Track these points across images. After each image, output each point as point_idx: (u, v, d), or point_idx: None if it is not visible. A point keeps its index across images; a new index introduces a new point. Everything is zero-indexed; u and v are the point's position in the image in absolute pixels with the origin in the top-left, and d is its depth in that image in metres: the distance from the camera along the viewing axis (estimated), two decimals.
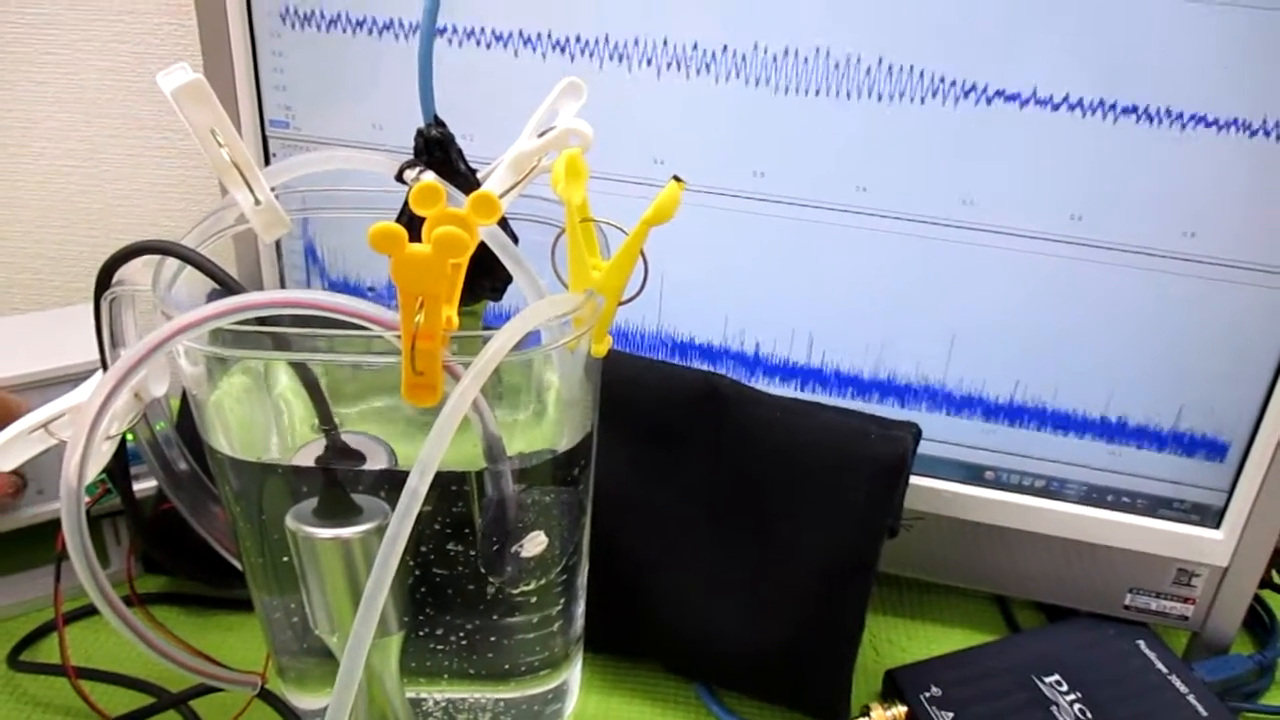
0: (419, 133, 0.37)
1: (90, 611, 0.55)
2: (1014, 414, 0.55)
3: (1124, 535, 0.55)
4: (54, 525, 0.51)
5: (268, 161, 0.58)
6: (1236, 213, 0.48)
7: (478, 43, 0.53)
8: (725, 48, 0.50)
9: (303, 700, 0.45)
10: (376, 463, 0.38)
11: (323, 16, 0.54)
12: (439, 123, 0.37)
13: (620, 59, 0.51)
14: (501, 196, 0.37)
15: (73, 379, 0.53)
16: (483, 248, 0.36)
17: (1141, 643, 0.56)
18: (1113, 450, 0.54)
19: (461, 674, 0.43)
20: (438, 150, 0.37)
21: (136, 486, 0.48)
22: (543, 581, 0.41)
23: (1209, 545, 0.55)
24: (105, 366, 0.40)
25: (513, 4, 0.52)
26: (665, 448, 0.52)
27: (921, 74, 0.48)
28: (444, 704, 0.44)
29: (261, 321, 0.32)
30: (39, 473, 0.55)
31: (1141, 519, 0.55)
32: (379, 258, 0.29)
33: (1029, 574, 0.58)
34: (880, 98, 0.49)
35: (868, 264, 0.53)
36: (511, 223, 0.38)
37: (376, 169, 0.38)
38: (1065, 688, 0.52)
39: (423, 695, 0.43)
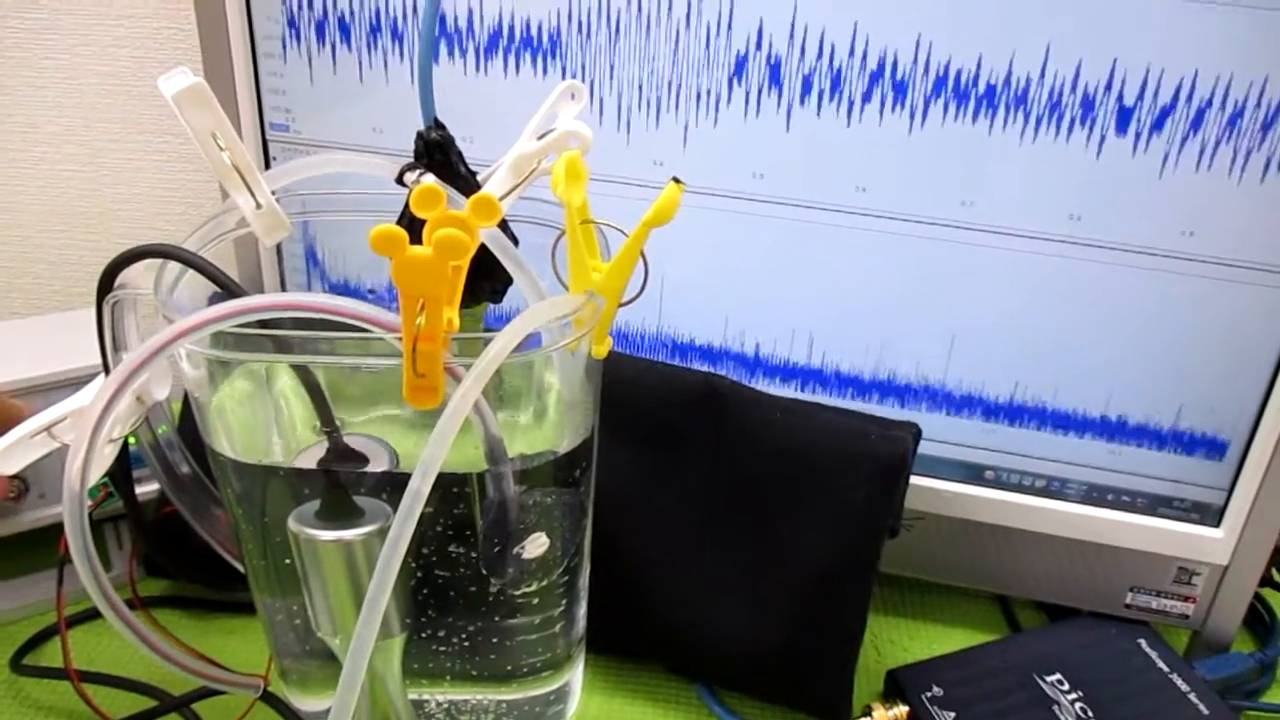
0: (419, 135, 0.37)
1: (92, 615, 0.56)
2: (1014, 414, 0.55)
3: (1124, 534, 0.55)
4: (56, 529, 0.51)
5: (268, 165, 0.58)
6: (1235, 212, 0.48)
7: (478, 48, 0.53)
8: (725, 49, 0.50)
9: (305, 703, 0.45)
10: (378, 465, 0.38)
11: (324, 21, 0.54)
12: (439, 125, 0.37)
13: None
14: (502, 199, 0.37)
15: (74, 383, 0.53)
16: (483, 250, 0.36)
17: (1143, 641, 0.56)
18: (1113, 449, 0.54)
19: (464, 675, 0.43)
20: (438, 153, 0.37)
21: (138, 490, 0.48)
22: (544, 583, 0.41)
23: (1209, 544, 0.55)
24: (107, 370, 0.40)
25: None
26: (666, 449, 0.52)
27: (921, 72, 0.49)
28: (446, 705, 0.44)
29: (263, 324, 0.32)
30: (41, 477, 0.55)
31: (1142, 518, 0.55)
32: (380, 260, 0.29)
33: (1030, 573, 0.58)
34: (879, 99, 0.49)
35: (867, 265, 0.53)
36: (512, 225, 0.38)
37: (377, 172, 0.38)
38: (1067, 687, 0.52)
39: (425, 697, 0.43)
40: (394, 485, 0.37)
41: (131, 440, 0.42)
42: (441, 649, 0.42)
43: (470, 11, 0.52)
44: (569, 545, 0.42)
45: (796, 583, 0.50)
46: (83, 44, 0.72)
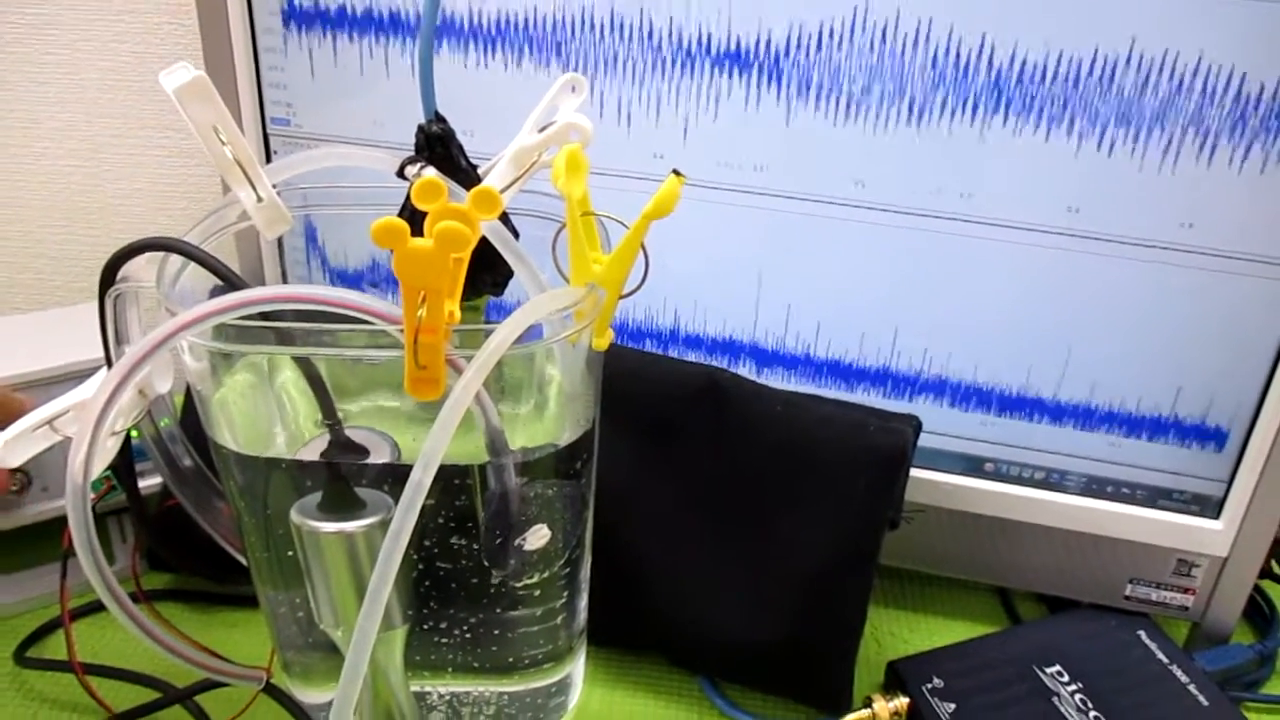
0: (420, 129, 0.37)
1: (95, 608, 0.56)
2: (1013, 405, 0.55)
3: (1124, 526, 0.56)
4: (59, 523, 0.52)
5: (269, 159, 0.59)
6: (1235, 204, 0.48)
7: (479, 41, 0.53)
8: (725, 43, 0.50)
9: (308, 695, 0.45)
10: (380, 457, 0.38)
11: (324, 15, 0.54)
12: (440, 119, 0.37)
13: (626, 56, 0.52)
14: (502, 191, 0.37)
15: (75, 377, 0.53)
16: (484, 243, 0.36)
17: (1142, 633, 0.56)
18: (1112, 441, 0.55)
19: (466, 667, 0.43)
20: (439, 146, 0.37)
21: (141, 483, 0.48)
22: (545, 575, 0.41)
23: (1208, 535, 0.55)
24: (110, 363, 0.40)
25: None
26: (667, 442, 0.52)
27: (920, 65, 0.49)
28: (448, 698, 0.44)
29: (265, 317, 0.32)
30: (43, 470, 0.55)
31: (1141, 510, 0.55)
32: (381, 253, 0.29)
33: (1030, 565, 0.58)
34: (878, 92, 0.49)
35: (867, 258, 0.53)
36: (513, 218, 0.38)
37: (378, 166, 0.38)
38: (1067, 678, 0.52)
39: (427, 689, 0.44)
40: (395, 477, 0.37)
41: (134, 434, 0.42)
42: (443, 641, 0.42)
43: (471, 5, 0.52)
44: (570, 537, 0.42)
45: (797, 575, 0.51)
46: (84, 39, 0.72)
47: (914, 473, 0.54)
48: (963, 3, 0.47)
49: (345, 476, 0.37)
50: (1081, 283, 0.51)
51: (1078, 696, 0.51)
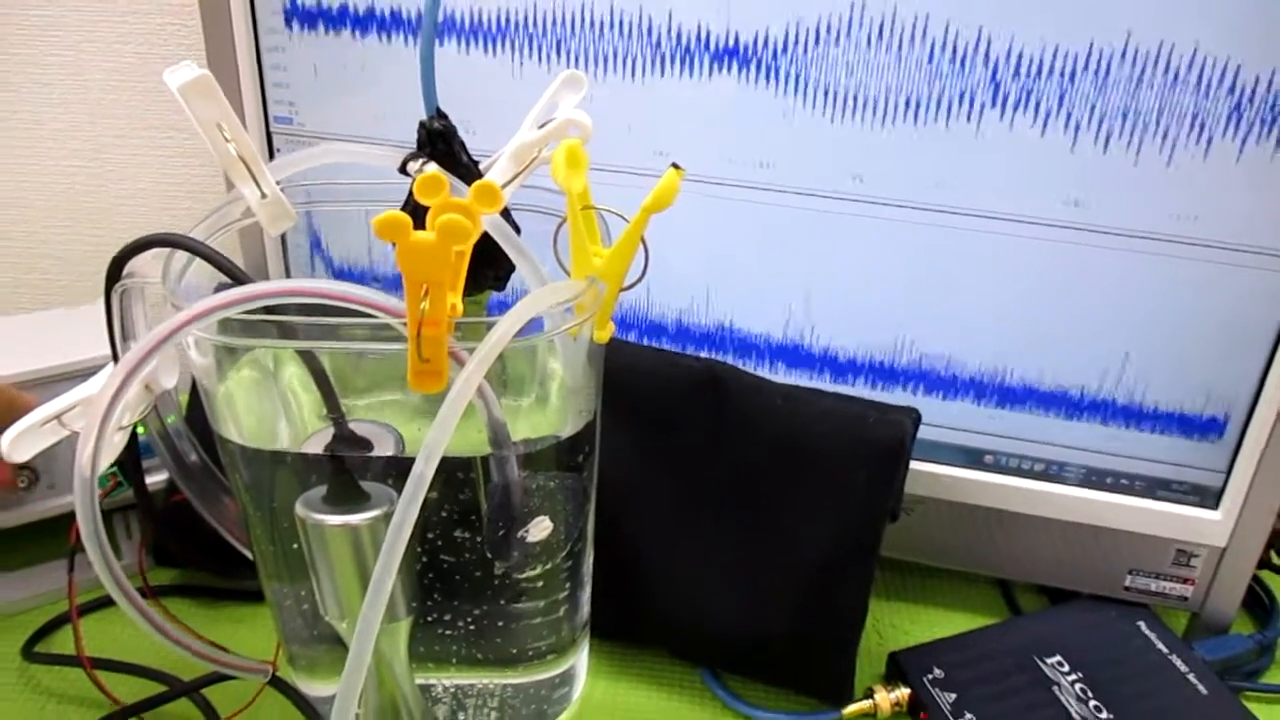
0: (421, 125, 0.38)
1: (102, 604, 0.56)
2: (1012, 398, 0.55)
3: (1123, 517, 0.56)
4: (65, 520, 0.52)
5: (272, 157, 0.59)
6: (1237, 197, 0.48)
7: (481, 37, 0.53)
8: (724, 39, 0.50)
9: (313, 688, 0.46)
10: (384, 450, 0.38)
11: (326, 14, 0.55)
12: (441, 115, 0.38)
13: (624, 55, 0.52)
14: (503, 187, 0.38)
15: (80, 374, 0.53)
16: (486, 238, 0.37)
17: (1142, 623, 0.56)
18: (1111, 433, 0.55)
19: (470, 660, 0.43)
20: (440, 142, 0.38)
21: (148, 480, 0.49)
22: (548, 566, 0.42)
23: (1207, 526, 0.55)
24: (116, 358, 0.41)
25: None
26: (668, 435, 0.52)
27: (919, 60, 0.49)
28: (453, 690, 0.45)
29: (269, 311, 0.33)
30: (51, 467, 0.55)
31: (1140, 500, 0.56)
32: (384, 249, 0.29)
33: (1030, 557, 0.58)
34: (876, 87, 0.50)
35: (866, 252, 0.53)
36: (514, 213, 0.39)
37: (380, 162, 0.38)
38: (1067, 668, 0.53)
39: (432, 681, 0.44)
40: (399, 470, 0.38)
41: (140, 430, 0.43)
42: (448, 633, 0.42)
43: (472, 2, 0.53)
44: (572, 529, 0.42)
45: (799, 567, 0.51)
46: (87, 40, 0.73)
47: (914, 465, 0.54)
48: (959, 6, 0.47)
49: (349, 469, 0.38)
50: (1081, 275, 0.51)
51: (1078, 686, 0.52)
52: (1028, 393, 0.55)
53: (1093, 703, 0.50)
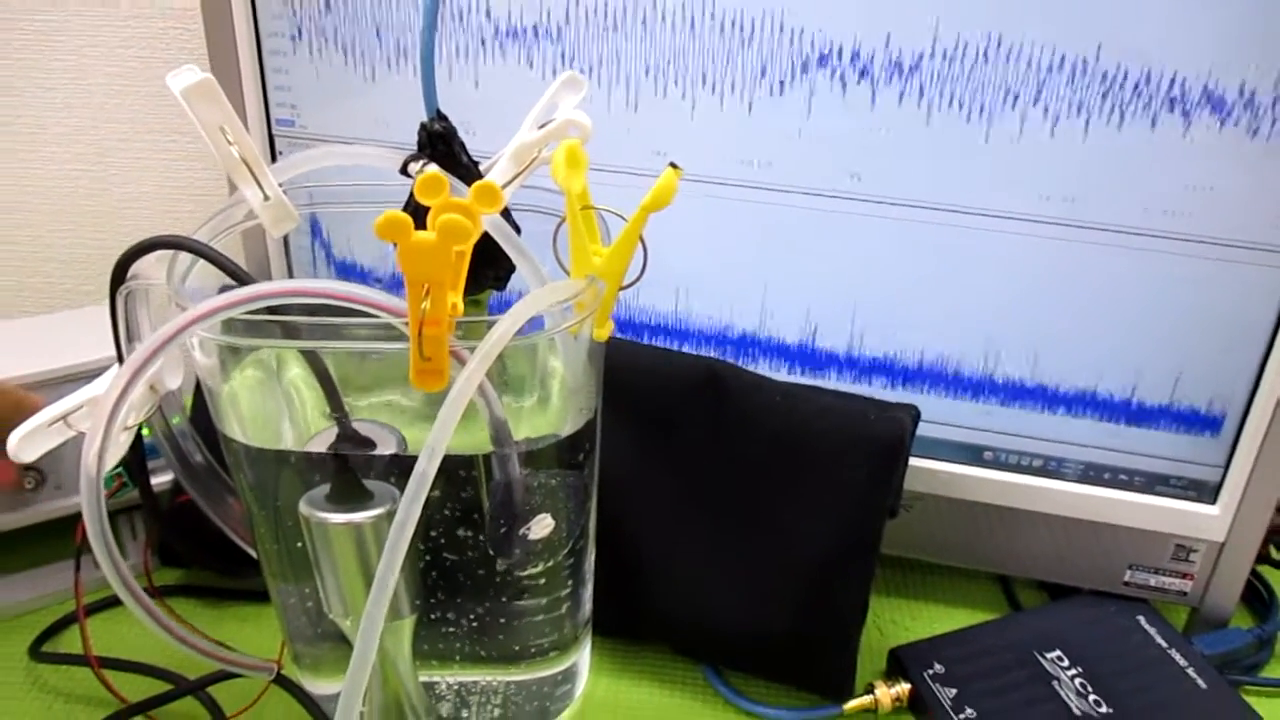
0: (422, 127, 0.38)
1: (107, 605, 0.57)
2: (1011, 394, 0.55)
3: (1122, 512, 0.56)
4: (70, 521, 0.53)
5: (274, 160, 0.59)
6: (1229, 193, 0.49)
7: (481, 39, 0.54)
8: (720, 39, 0.51)
9: (318, 686, 0.46)
10: (387, 449, 0.39)
11: (327, 15, 0.55)
12: (441, 117, 0.38)
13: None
14: (504, 187, 0.38)
15: (85, 376, 0.54)
16: (486, 239, 0.37)
17: (1141, 618, 0.57)
18: (1109, 429, 0.55)
19: (473, 657, 0.44)
20: (441, 144, 0.38)
21: (153, 480, 0.49)
22: (550, 564, 0.42)
23: (1205, 520, 0.55)
24: (121, 358, 0.41)
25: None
26: (668, 433, 0.52)
27: (913, 58, 0.49)
28: (456, 687, 0.45)
29: (272, 312, 0.33)
30: (57, 468, 0.56)
31: (1139, 496, 0.56)
32: (385, 250, 0.30)
33: (1029, 553, 0.59)
34: (870, 85, 0.50)
35: (864, 250, 0.54)
36: (514, 213, 0.39)
37: (381, 163, 0.39)
38: (1066, 663, 0.53)
39: (435, 679, 0.44)
40: (402, 469, 0.38)
41: (146, 431, 0.43)
42: (451, 631, 0.42)
43: (472, 3, 0.53)
44: (574, 527, 0.43)
45: (799, 563, 0.51)
46: (90, 45, 0.73)
47: (914, 462, 0.55)
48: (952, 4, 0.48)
49: (353, 468, 0.38)
50: (1076, 272, 0.52)
51: (1078, 681, 0.52)
52: (1026, 389, 0.55)
53: (1092, 697, 0.51)
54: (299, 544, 0.39)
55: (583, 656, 0.48)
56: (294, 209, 0.39)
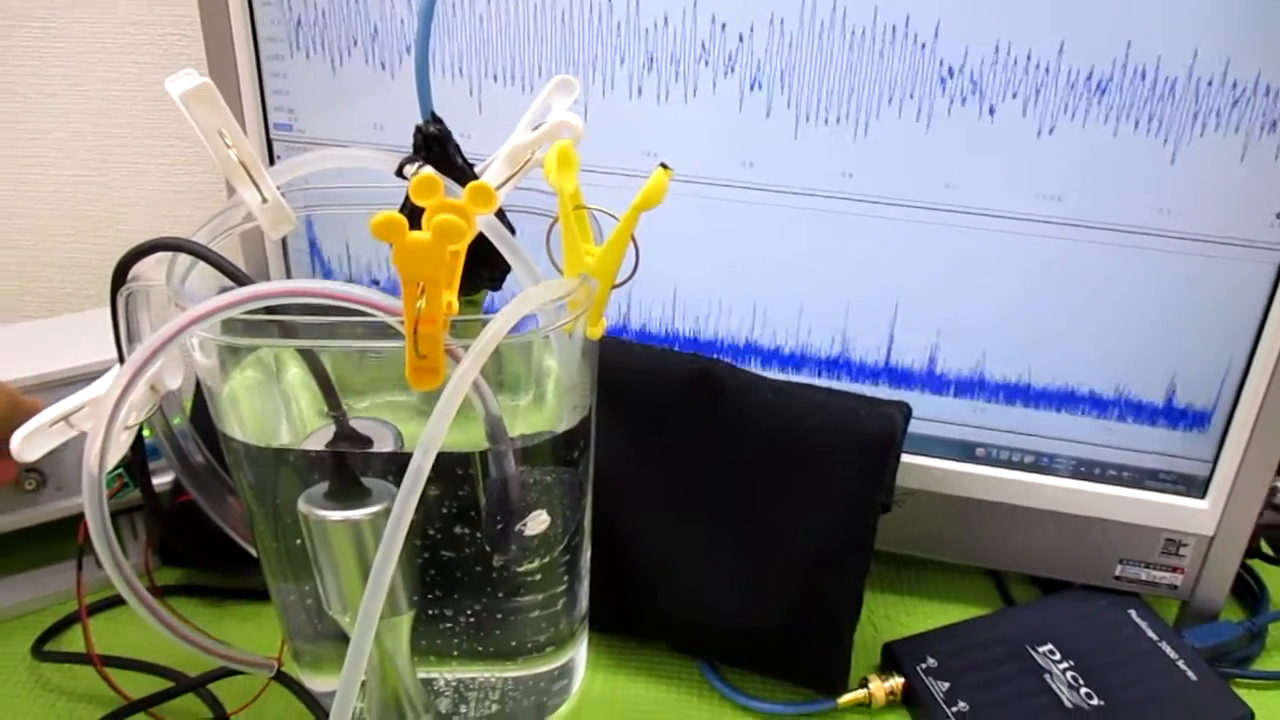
0: (417, 129, 0.38)
1: (109, 604, 0.57)
2: (1003, 391, 0.56)
3: (1112, 507, 0.57)
4: (72, 522, 0.53)
5: (272, 163, 0.60)
6: (1214, 190, 0.49)
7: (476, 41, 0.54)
8: (711, 41, 0.51)
9: (317, 683, 0.47)
10: (384, 447, 0.39)
11: (325, 21, 0.56)
12: (436, 119, 0.38)
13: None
14: (498, 189, 0.39)
15: (85, 379, 0.54)
16: (481, 240, 0.37)
17: (1133, 612, 0.57)
18: (1099, 424, 0.56)
19: (470, 653, 0.44)
20: (436, 146, 0.39)
21: (154, 481, 0.50)
22: (546, 560, 0.43)
23: (1195, 515, 0.56)
24: (122, 359, 0.41)
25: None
26: (662, 431, 0.53)
27: (905, 59, 0.50)
28: (454, 683, 0.45)
29: (270, 312, 0.34)
30: (58, 470, 0.56)
31: (1129, 491, 0.56)
32: (382, 252, 0.30)
33: (1021, 548, 0.59)
34: (862, 86, 0.51)
35: (858, 249, 0.54)
36: (509, 215, 0.40)
37: (377, 166, 0.39)
38: (1058, 656, 0.54)
39: (433, 675, 0.45)
40: (399, 467, 0.38)
41: (147, 432, 0.44)
42: (449, 627, 0.43)
43: (467, 5, 0.54)
44: (569, 523, 0.43)
45: (793, 559, 0.52)
46: (90, 51, 0.74)
47: (907, 458, 0.55)
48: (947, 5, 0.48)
49: (350, 466, 0.38)
50: (1067, 270, 0.52)
51: (1069, 674, 0.52)
52: (1017, 386, 0.56)
53: (1083, 690, 0.51)
54: (298, 542, 0.39)
55: (579, 652, 0.48)
56: (291, 211, 0.40)
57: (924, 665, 0.53)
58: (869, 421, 0.50)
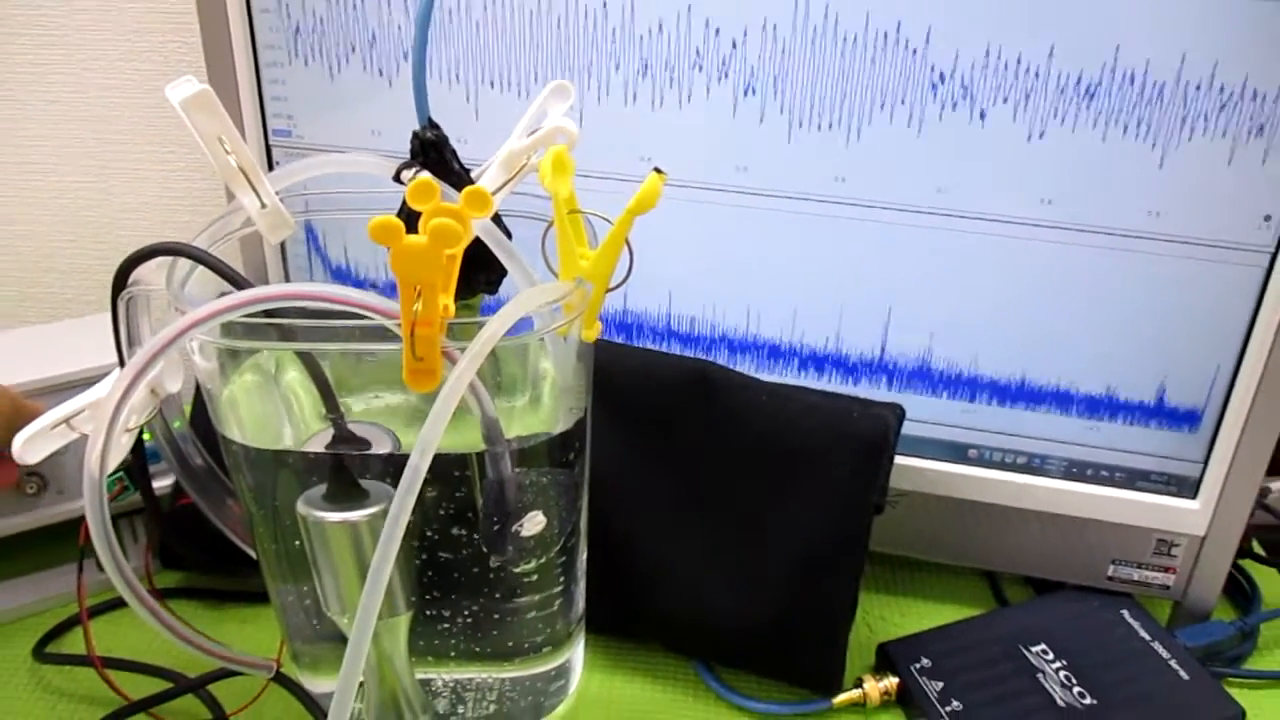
0: (414, 135, 0.39)
1: (109, 607, 0.57)
2: (995, 393, 0.56)
3: (1104, 508, 0.57)
4: (72, 525, 0.53)
5: (270, 169, 0.60)
6: (1204, 194, 0.50)
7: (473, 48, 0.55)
8: (705, 48, 0.52)
9: (316, 684, 0.47)
10: (382, 448, 0.40)
11: (323, 29, 0.56)
12: (433, 125, 0.39)
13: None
14: (494, 193, 0.39)
15: (86, 383, 0.54)
16: (478, 244, 0.38)
17: (1125, 612, 0.58)
18: (1091, 426, 0.56)
19: (468, 654, 0.44)
20: (433, 151, 0.39)
21: (153, 485, 0.50)
22: (543, 560, 0.43)
23: (1186, 515, 0.56)
24: (122, 362, 0.42)
25: None
26: (657, 433, 0.53)
27: (893, 69, 0.50)
28: (452, 684, 0.45)
29: (269, 315, 0.34)
30: (58, 474, 0.57)
31: (1120, 491, 0.57)
32: (379, 256, 0.30)
33: (1015, 549, 0.59)
34: (854, 90, 0.51)
35: (851, 252, 0.55)
36: (506, 220, 0.40)
37: (375, 171, 0.40)
38: (1051, 656, 0.54)
39: (431, 676, 0.45)
40: (397, 469, 0.38)
41: (147, 436, 0.44)
42: (446, 628, 0.43)
43: (465, 12, 0.54)
44: (565, 524, 0.43)
45: (788, 560, 0.52)
46: (91, 59, 0.74)
47: (901, 460, 0.56)
48: (928, 2, 0.49)
49: (349, 468, 0.39)
50: (1059, 273, 0.53)
51: (1062, 673, 0.53)
52: (1010, 388, 0.56)
53: (1076, 689, 0.52)
54: (297, 543, 0.40)
55: (576, 653, 0.48)
56: (290, 216, 0.40)
57: (918, 665, 0.53)
58: (862, 423, 0.50)
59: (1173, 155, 0.49)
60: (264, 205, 0.39)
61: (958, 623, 0.58)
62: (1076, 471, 0.57)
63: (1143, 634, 0.56)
